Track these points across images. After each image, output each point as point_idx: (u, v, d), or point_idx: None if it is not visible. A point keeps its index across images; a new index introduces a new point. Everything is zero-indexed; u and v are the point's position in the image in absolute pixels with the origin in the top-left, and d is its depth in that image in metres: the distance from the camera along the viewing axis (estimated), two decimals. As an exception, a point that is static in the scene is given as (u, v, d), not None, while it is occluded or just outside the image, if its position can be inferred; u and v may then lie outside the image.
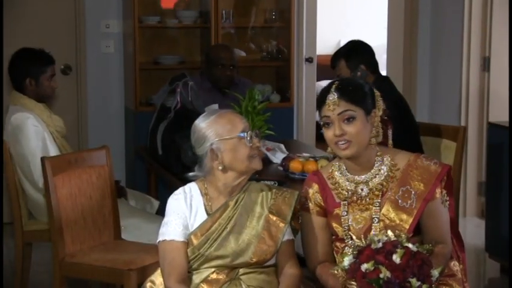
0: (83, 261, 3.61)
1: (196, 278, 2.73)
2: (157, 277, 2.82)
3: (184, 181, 3.90)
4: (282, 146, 4.48)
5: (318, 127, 7.29)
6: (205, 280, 2.71)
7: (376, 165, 2.76)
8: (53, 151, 4.18)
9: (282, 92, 6.52)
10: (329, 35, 8.71)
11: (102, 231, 3.83)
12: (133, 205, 4.52)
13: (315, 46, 6.93)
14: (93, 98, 6.32)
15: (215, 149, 2.74)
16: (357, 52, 4.31)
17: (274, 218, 2.73)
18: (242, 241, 2.71)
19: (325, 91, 2.72)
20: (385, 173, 2.74)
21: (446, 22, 6.20)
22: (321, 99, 2.72)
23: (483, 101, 6.00)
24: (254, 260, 2.71)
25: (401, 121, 4.12)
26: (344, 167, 2.80)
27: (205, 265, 2.72)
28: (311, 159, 4.00)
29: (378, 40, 7.50)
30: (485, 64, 5.93)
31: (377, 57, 4.44)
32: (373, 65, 4.30)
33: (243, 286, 2.70)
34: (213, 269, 2.72)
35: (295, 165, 3.96)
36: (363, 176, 2.76)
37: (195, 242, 2.72)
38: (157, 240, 2.77)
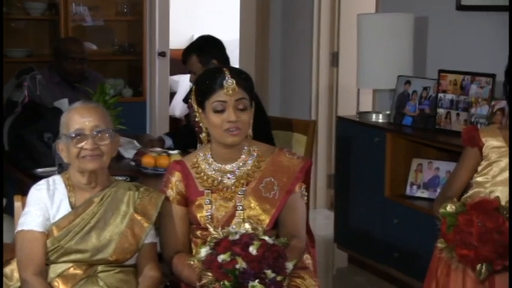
0: None
1: (52, 272, 2.67)
2: (11, 269, 2.73)
3: (33, 177, 3.80)
4: (135, 141, 4.44)
5: (172, 121, 7.34)
6: (61, 275, 2.66)
7: (243, 155, 2.79)
8: None
9: (134, 86, 6.46)
10: (182, 29, 8.68)
11: None
12: (-22, 203, 4.34)
13: (167, 40, 6.90)
14: None
15: (60, 142, 2.72)
16: (208, 47, 4.34)
17: (139, 218, 2.71)
18: (104, 237, 2.68)
19: (217, 76, 2.69)
20: (251, 164, 2.79)
21: (297, 18, 6.33)
22: (213, 83, 2.69)
23: (332, 95, 6.16)
24: (114, 257, 2.68)
25: (255, 114, 4.17)
26: (210, 156, 2.81)
27: (64, 258, 2.67)
28: (164, 153, 3.97)
29: (230, 35, 7.54)
30: (334, 59, 6.10)
31: (229, 52, 4.48)
32: (224, 59, 4.34)
33: (100, 283, 2.66)
34: (70, 264, 2.67)
35: (147, 160, 3.92)
36: (230, 166, 2.79)
37: (56, 233, 2.66)
38: (16, 231, 2.70)
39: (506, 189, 2.76)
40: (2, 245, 2.67)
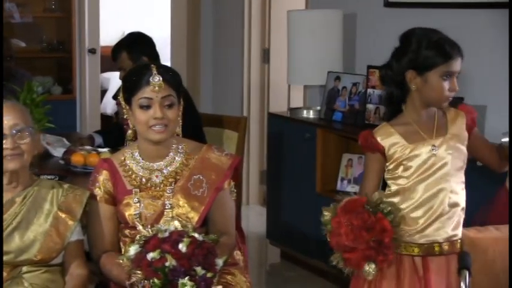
0: None
1: None
2: None
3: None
4: (64, 139, 4.38)
5: (104, 119, 7.26)
6: (-17, 279, 2.60)
7: (171, 153, 2.78)
8: None
9: (64, 84, 6.38)
10: (113, 25, 8.61)
11: None
12: None
13: (98, 37, 6.83)
14: None
15: None
16: (138, 44, 4.33)
17: (63, 216, 2.68)
18: (27, 237, 2.63)
19: (144, 72, 2.68)
20: (180, 161, 2.78)
21: (228, 15, 6.33)
22: (140, 80, 2.68)
23: (264, 92, 6.18)
24: (39, 257, 2.64)
25: (186, 111, 4.17)
26: (137, 154, 2.79)
27: None
28: (93, 152, 3.94)
29: (161, 32, 7.50)
30: (265, 56, 6.12)
31: (161, 49, 4.47)
32: (155, 56, 4.32)
33: (25, 285, 2.62)
34: None
35: (76, 159, 3.88)
36: (158, 163, 2.77)
37: None
38: None
39: (426, 186, 2.78)
40: (1, 245, 2.59)
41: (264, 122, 6.07)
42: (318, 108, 4.90)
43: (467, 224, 2.86)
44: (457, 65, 2.71)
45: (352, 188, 4.55)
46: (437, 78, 2.70)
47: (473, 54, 4.09)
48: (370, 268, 2.54)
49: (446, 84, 2.70)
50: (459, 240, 2.76)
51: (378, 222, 2.52)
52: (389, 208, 2.55)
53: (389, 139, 2.77)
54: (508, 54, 2.81)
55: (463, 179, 2.80)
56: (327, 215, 2.60)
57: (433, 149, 2.74)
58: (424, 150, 2.74)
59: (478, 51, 4.15)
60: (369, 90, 4.51)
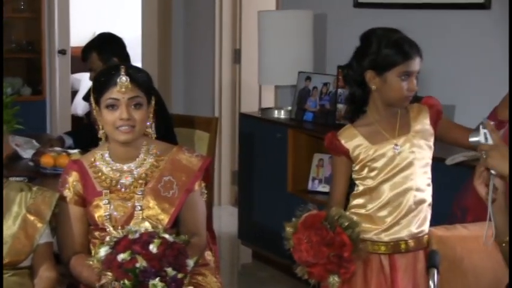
0: None
1: None
2: None
3: None
4: (33, 140, 4.35)
5: (74, 120, 7.22)
6: (-49, 282, 2.57)
7: (141, 154, 2.77)
8: None
9: (33, 85, 6.33)
10: (83, 26, 8.56)
11: None
12: None
13: (68, 38, 6.80)
14: None
15: None
16: (108, 44, 4.33)
17: (32, 218, 2.66)
18: None
19: (113, 73, 2.68)
20: (150, 163, 2.77)
21: (199, 15, 6.33)
22: (108, 80, 2.67)
23: (235, 92, 6.19)
24: (7, 260, 2.61)
25: (156, 112, 4.16)
26: (107, 155, 2.78)
27: None
28: (63, 153, 3.91)
29: (133, 32, 7.47)
30: (236, 56, 6.13)
31: (132, 49, 4.46)
32: (125, 57, 4.32)
33: (-8, 288, 2.60)
34: None
35: (46, 160, 3.85)
36: (128, 165, 2.77)
37: None
38: None
39: (391, 185, 2.78)
40: (1, 245, 2.56)
41: (236, 122, 6.08)
42: (289, 108, 4.91)
43: (443, 219, 2.88)
44: (415, 64, 2.72)
45: (323, 188, 4.57)
46: (396, 78, 2.70)
47: (441, 54, 4.15)
48: (333, 280, 2.55)
49: (404, 84, 2.71)
50: (425, 236, 2.77)
51: (337, 237, 2.51)
52: (347, 223, 2.55)
53: (353, 141, 2.78)
54: (508, 55, 2.80)
55: (429, 174, 2.81)
56: (288, 230, 2.59)
57: (395, 148, 2.75)
58: (387, 150, 2.75)
59: (446, 51, 4.19)
60: (340, 90, 4.53)
